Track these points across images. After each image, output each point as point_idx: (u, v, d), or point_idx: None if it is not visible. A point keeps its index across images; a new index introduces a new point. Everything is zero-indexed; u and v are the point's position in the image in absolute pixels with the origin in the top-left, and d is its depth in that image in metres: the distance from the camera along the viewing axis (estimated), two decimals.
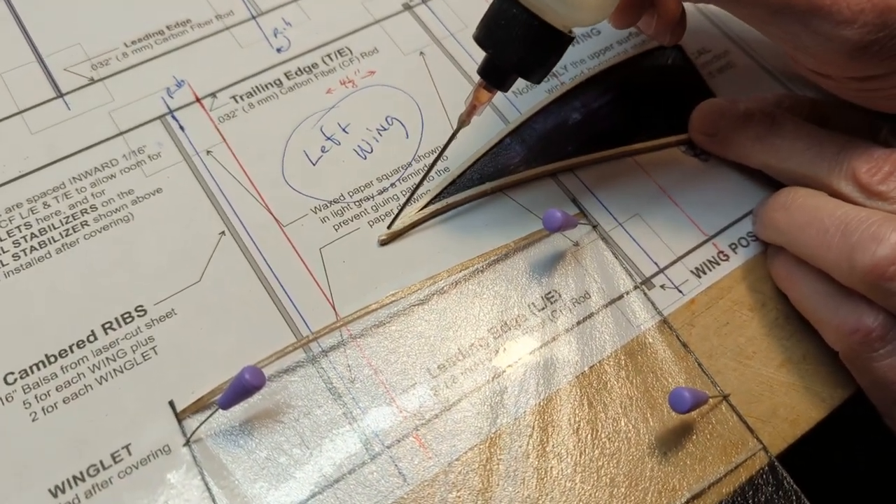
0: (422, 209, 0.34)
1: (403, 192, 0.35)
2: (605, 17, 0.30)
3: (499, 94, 0.32)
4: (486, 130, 0.37)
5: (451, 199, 0.35)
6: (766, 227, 0.33)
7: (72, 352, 0.30)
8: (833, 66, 0.30)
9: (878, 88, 0.31)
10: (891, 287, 0.27)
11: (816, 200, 0.31)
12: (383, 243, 0.34)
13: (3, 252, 0.32)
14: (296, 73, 0.38)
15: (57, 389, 0.30)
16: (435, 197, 0.35)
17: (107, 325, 0.31)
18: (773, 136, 0.34)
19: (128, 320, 0.31)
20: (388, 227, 0.34)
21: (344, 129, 0.37)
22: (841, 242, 0.29)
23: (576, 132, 0.37)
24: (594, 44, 0.41)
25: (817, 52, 0.29)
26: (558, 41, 0.30)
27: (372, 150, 0.36)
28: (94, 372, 0.30)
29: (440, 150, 0.34)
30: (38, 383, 0.30)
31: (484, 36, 0.30)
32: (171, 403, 0.30)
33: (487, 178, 0.35)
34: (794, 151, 0.33)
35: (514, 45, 0.30)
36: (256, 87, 0.37)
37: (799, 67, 0.33)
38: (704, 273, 0.34)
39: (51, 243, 0.33)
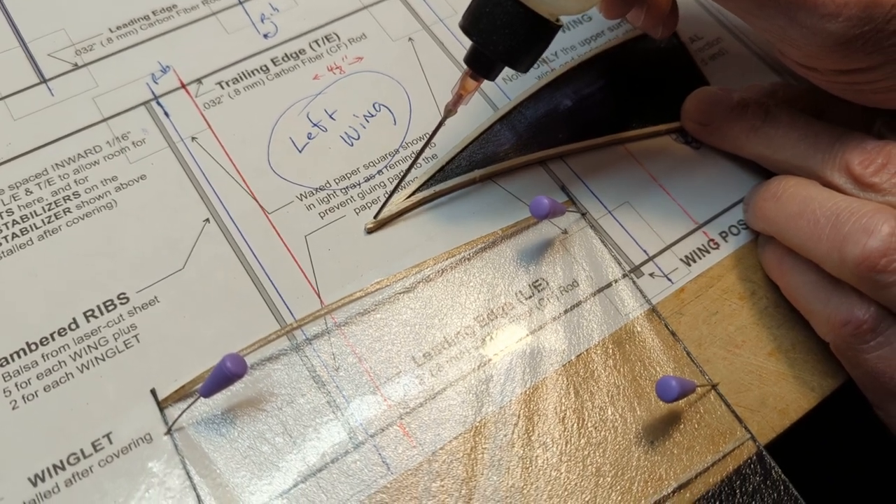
0: (409, 197, 0.34)
1: (390, 180, 0.35)
2: (591, 5, 0.30)
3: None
4: (475, 117, 0.36)
5: (438, 187, 0.34)
6: (757, 217, 0.33)
7: (53, 339, 0.30)
8: (818, 59, 0.30)
9: (863, 82, 0.30)
10: (881, 279, 0.27)
11: (808, 191, 0.31)
12: (370, 231, 0.33)
13: None
14: (282, 59, 0.38)
15: (37, 377, 0.29)
16: (423, 185, 0.34)
17: (89, 313, 0.31)
18: (767, 127, 0.33)
19: (110, 308, 0.31)
20: (375, 216, 0.33)
21: (331, 116, 0.36)
22: (832, 233, 0.28)
23: (567, 119, 0.37)
24: (585, 30, 0.40)
25: (802, 46, 0.29)
26: (545, 30, 0.30)
27: (359, 137, 0.36)
28: (75, 360, 0.30)
29: (427, 138, 0.33)
30: (18, 371, 0.29)
31: (469, 24, 0.30)
32: (153, 391, 0.29)
33: (476, 166, 0.35)
34: (788, 143, 0.33)
35: (499, 33, 0.29)
36: (242, 73, 0.37)
37: (785, 60, 0.32)
38: (694, 261, 0.34)
39: (33, 230, 0.32)
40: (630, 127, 0.37)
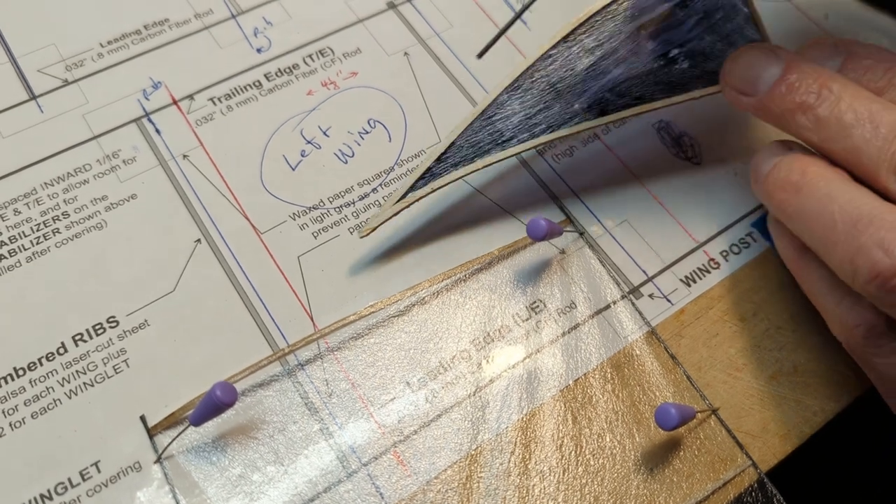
0: (398, 202, 0.31)
1: (385, 198, 0.34)
2: None
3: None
4: (458, 115, 0.33)
5: (436, 183, 0.31)
6: (774, 207, 0.30)
7: (41, 364, 0.29)
8: None
9: None
10: (892, 299, 0.26)
11: (829, 187, 0.28)
12: (363, 236, 0.32)
13: None
14: (276, 75, 0.37)
15: (25, 404, 0.29)
16: (412, 186, 0.31)
17: (77, 337, 0.30)
18: (820, 108, 0.29)
19: (99, 332, 0.30)
20: (375, 222, 0.31)
21: (325, 133, 0.35)
22: (846, 241, 0.26)
23: (583, 83, 0.32)
24: None
25: None
26: None
27: (353, 155, 0.35)
28: (63, 385, 0.29)
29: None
30: (5, 397, 0.29)
31: None
32: (143, 418, 0.29)
33: (479, 153, 0.32)
34: (841, 128, 0.28)
35: None
36: (235, 88, 0.36)
37: None
38: (694, 282, 0.33)
39: (21, 251, 0.32)
40: (659, 94, 0.32)
